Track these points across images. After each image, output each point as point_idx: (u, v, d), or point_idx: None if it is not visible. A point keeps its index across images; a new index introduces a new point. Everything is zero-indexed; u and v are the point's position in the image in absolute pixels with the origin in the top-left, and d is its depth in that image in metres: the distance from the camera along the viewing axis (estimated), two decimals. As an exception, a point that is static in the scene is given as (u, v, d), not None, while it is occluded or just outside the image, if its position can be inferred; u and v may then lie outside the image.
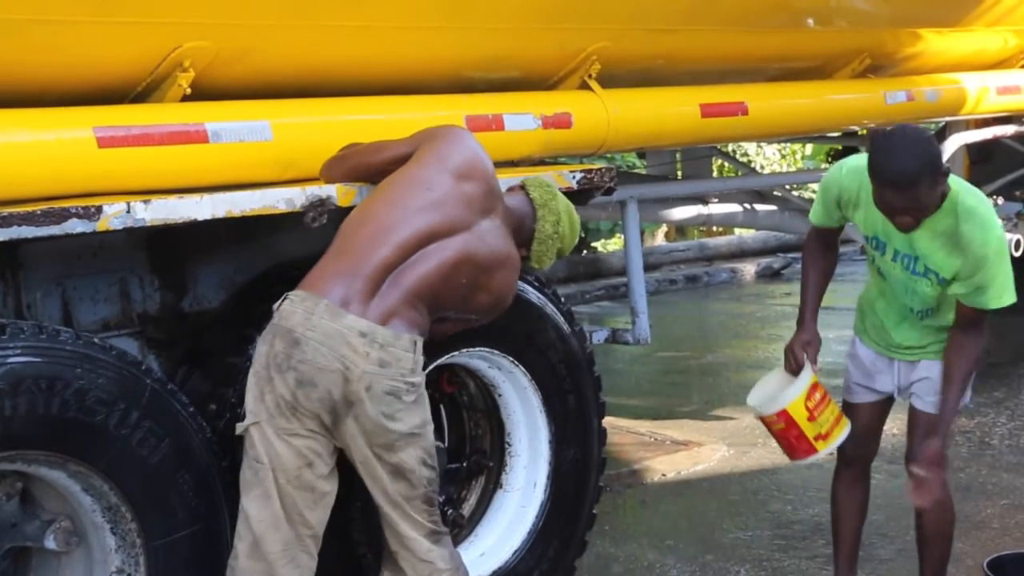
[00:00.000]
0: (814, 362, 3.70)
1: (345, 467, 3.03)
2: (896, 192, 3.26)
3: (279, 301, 2.97)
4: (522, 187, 3.40)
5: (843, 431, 3.72)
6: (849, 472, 3.91)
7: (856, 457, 3.88)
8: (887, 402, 3.88)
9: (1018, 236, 6.54)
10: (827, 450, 3.70)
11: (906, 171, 3.23)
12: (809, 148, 14.24)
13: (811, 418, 3.64)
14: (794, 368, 3.70)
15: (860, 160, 3.52)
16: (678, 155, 7.46)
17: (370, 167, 3.30)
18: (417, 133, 3.29)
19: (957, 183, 3.44)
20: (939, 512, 3.71)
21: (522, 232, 3.30)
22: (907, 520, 4.66)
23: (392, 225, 3.01)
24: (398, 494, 3.00)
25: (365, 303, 2.94)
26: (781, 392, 3.68)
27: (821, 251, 3.82)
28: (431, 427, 3.06)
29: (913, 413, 3.74)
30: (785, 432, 3.68)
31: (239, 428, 2.96)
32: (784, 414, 3.64)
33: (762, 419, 3.75)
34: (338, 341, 2.89)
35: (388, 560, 3.10)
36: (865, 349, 3.84)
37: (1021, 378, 6.92)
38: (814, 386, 3.65)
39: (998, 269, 3.41)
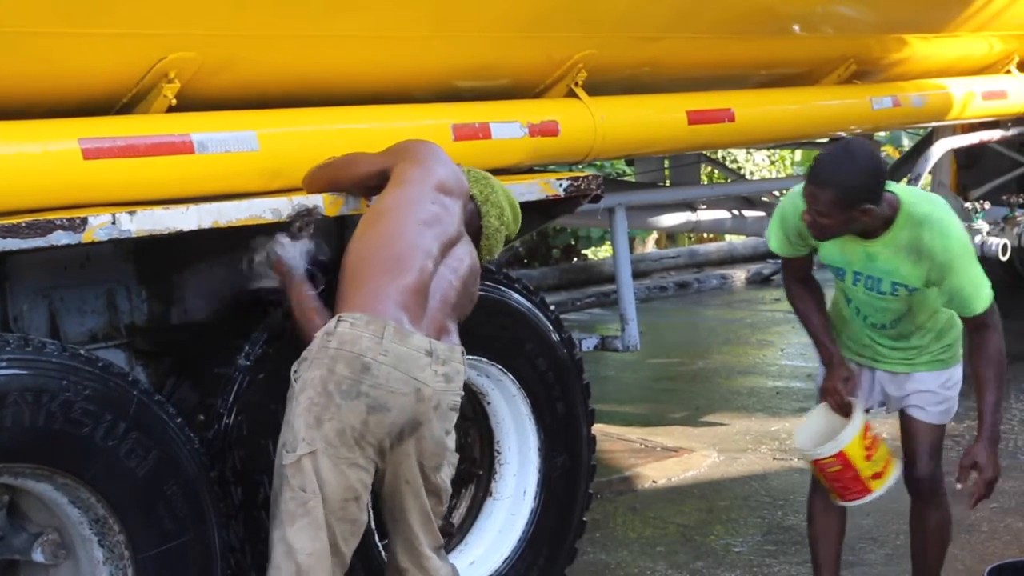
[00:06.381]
0: (855, 397, 3.57)
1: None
2: (809, 185, 3.27)
3: (332, 323, 2.89)
4: None
5: (895, 469, 3.61)
6: (824, 493, 3.75)
7: None
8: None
9: (1005, 240, 6.56)
10: (881, 490, 3.57)
11: (824, 175, 3.23)
12: (799, 154, 14.25)
13: (868, 457, 3.50)
14: (840, 407, 3.55)
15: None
16: (666, 162, 7.47)
17: (343, 180, 3.32)
18: (390, 149, 3.29)
19: (906, 195, 3.42)
20: (945, 520, 3.72)
21: (471, 230, 3.29)
22: (896, 525, 4.67)
23: (417, 241, 3.01)
24: (430, 511, 3.00)
25: (419, 320, 2.93)
26: (832, 432, 3.51)
27: (803, 288, 3.71)
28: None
29: (911, 424, 3.64)
30: (840, 474, 3.52)
31: (289, 458, 2.83)
32: (841, 456, 3.47)
33: (815, 462, 3.56)
34: (410, 364, 2.86)
35: None
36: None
37: (1008, 382, 6.92)
38: (866, 425, 3.52)
39: (967, 270, 3.36)
